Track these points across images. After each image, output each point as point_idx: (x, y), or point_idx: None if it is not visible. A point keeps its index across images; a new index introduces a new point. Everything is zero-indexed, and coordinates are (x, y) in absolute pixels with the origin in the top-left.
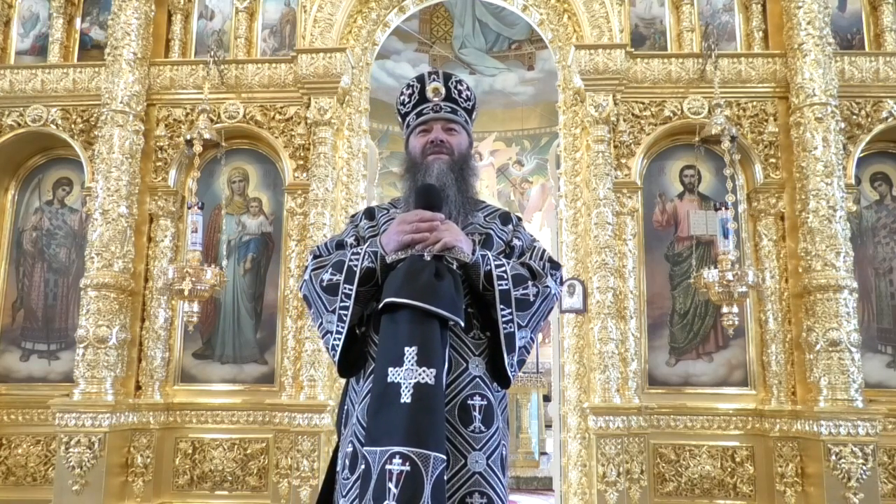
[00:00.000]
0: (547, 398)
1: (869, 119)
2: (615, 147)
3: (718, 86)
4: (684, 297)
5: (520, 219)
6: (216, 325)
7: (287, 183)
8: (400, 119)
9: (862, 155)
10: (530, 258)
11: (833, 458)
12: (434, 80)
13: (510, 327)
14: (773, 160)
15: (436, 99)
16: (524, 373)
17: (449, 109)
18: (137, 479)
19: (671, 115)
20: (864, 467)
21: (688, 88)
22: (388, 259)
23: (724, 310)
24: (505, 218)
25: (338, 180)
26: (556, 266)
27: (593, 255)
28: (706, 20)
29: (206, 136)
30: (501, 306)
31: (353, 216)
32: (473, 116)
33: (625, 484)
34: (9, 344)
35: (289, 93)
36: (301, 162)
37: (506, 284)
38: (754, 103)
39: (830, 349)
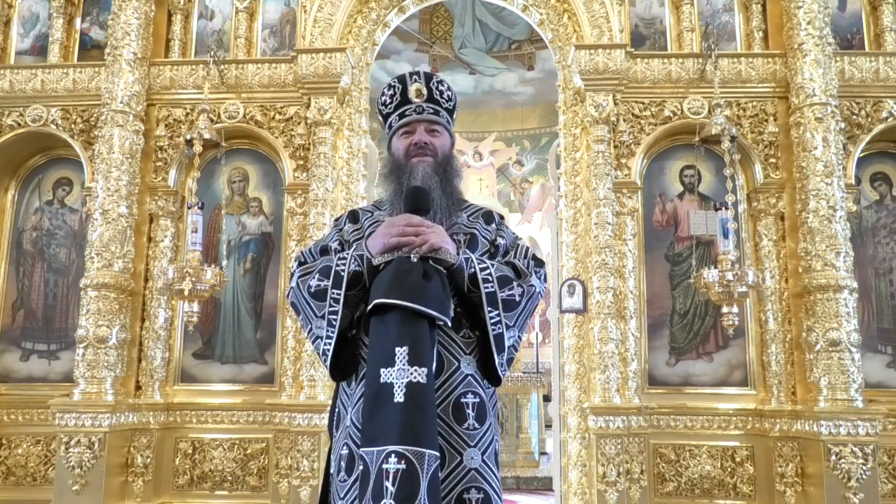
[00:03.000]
0: (547, 398)
1: (869, 119)
2: (615, 147)
3: (718, 86)
4: (684, 297)
5: (502, 217)
6: (216, 325)
7: (287, 183)
8: (382, 119)
9: (862, 155)
10: (514, 256)
11: (833, 458)
12: (416, 80)
13: (499, 328)
14: (773, 160)
15: (418, 100)
16: (524, 373)
17: (431, 111)
18: (137, 479)
19: (671, 115)
20: (864, 467)
21: (688, 88)
22: (375, 261)
23: (724, 310)
24: (488, 217)
25: (338, 180)
26: (539, 264)
27: (593, 255)
28: (706, 20)
29: (206, 136)
30: (489, 308)
31: (336, 220)
32: (454, 116)
33: (625, 484)
34: (9, 344)
35: (289, 93)
36: (301, 162)
37: (492, 287)
38: (754, 103)
39: (830, 349)
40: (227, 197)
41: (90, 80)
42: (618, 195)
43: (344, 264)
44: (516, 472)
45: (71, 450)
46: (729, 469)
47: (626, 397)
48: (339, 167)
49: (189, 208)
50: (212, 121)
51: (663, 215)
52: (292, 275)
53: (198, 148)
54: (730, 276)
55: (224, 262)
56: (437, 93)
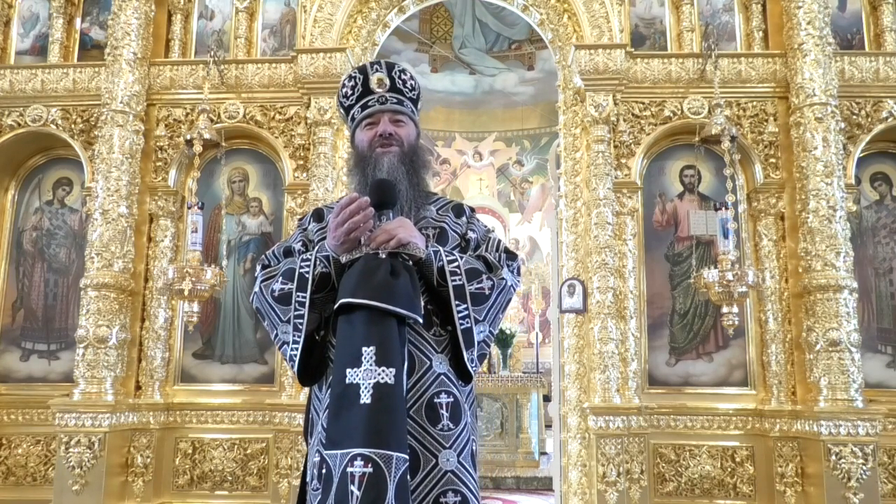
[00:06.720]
0: (547, 398)
1: (869, 119)
2: (615, 147)
3: (718, 86)
4: (684, 297)
5: (473, 210)
6: (216, 325)
7: (287, 183)
8: (343, 112)
9: (862, 155)
10: (486, 250)
11: (833, 458)
12: (377, 70)
13: (467, 323)
14: (773, 160)
15: (380, 90)
16: (524, 373)
17: (395, 100)
18: (137, 479)
19: (671, 115)
20: (864, 467)
21: (688, 88)
22: (343, 260)
23: (724, 310)
24: (458, 210)
25: (338, 180)
26: (512, 257)
27: (593, 255)
28: (706, 20)
29: (206, 136)
30: (457, 302)
31: (300, 220)
32: (419, 106)
33: (625, 484)
34: (9, 344)
35: (289, 93)
36: (301, 162)
37: (459, 280)
38: (754, 103)
39: (830, 349)
40: (227, 197)
41: (90, 80)
42: (618, 195)
43: (308, 266)
44: (516, 472)
45: (71, 450)
46: (729, 469)
47: (626, 397)
48: (339, 167)
49: (189, 208)
50: (212, 121)
51: (663, 215)
52: (255, 279)
53: (198, 148)
54: (730, 276)
55: (224, 262)
56: (400, 82)
